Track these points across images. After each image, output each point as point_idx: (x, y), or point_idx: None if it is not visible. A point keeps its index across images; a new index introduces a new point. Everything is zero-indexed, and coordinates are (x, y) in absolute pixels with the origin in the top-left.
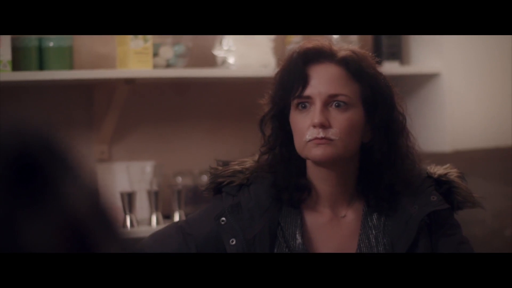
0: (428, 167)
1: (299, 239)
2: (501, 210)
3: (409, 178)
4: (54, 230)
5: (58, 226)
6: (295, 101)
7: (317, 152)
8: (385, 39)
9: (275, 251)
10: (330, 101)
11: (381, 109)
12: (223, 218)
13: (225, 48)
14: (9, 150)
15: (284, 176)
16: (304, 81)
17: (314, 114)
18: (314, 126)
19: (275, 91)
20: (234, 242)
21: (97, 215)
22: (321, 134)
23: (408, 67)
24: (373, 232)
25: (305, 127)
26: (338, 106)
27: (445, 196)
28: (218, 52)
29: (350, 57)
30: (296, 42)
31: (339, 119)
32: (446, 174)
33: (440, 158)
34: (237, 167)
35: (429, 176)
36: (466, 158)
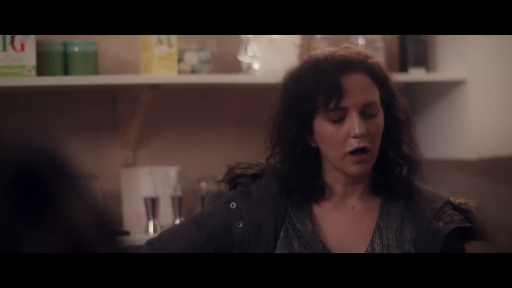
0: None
1: (308, 223)
2: None
3: (407, 182)
4: (55, 242)
5: (60, 238)
6: (331, 114)
7: (355, 168)
8: (411, 46)
9: (281, 235)
10: (363, 110)
11: (394, 111)
12: (233, 203)
13: (250, 54)
14: (10, 161)
15: (298, 178)
16: (339, 93)
17: (353, 125)
18: (355, 137)
19: (296, 98)
20: (240, 225)
21: (98, 225)
22: (362, 144)
23: (434, 74)
24: (389, 231)
25: (342, 138)
26: (369, 114)
27: None
28: (243, 58)
29: (373, 64)
30: (322, 48)
31: (372, 127)
32: (465, 203)
33: (465, 165)
34: (253, 162)
35: (450, 202)
36: (491, 166)
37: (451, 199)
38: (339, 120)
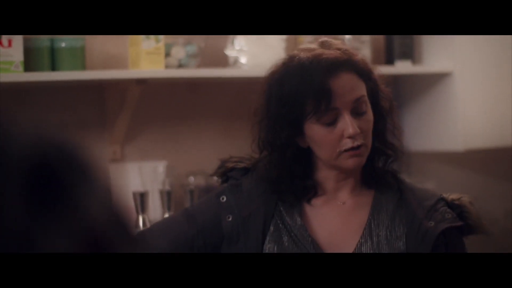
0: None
1: (297, 218)
2: None
3: (392, 169)
4: (71, 235)
5: (75, 231)
6: (322, 118)
7: (351, 162)
8: (397, 38)
9: (271, 229)
10: (354, 107)
11: (377, 99)
12: (223, 196)
13: (237, 48)
14: (24, 154)
15: (290, 181)
16: (328, 96)
17: (346, 125)
18: (349, 137)
19: (283, 103)
20: (230, 219)
21: (113, 217)
22: (357, 143)
23: (420, 66)
24: (380, 227)
25: (336, 140)
26: (360, 112)
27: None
28: (230, 52)
29: (358, 61)
30: (308, 42)
31: (363, 125)
32: (459, 198)
33: (452, 157)
34: (245, 156)
35: (443, 199)
36: (478, 157)
37: (444, 195)
38: (331, 123)
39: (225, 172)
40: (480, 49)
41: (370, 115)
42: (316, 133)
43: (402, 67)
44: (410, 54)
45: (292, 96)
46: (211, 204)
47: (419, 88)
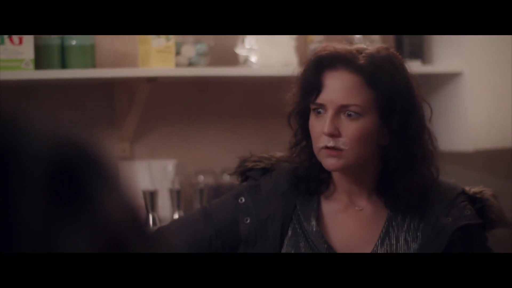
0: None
1: (313, 223)
2: None
3: (424, 183)
4: (90, 234)
5: (94, 229)
6: (312, 106)
7: (327, 162)
8: (406, 38)
9: (289, 233)
10: (342, 110)
11: (399, 114)
12: (242, 198)
13: (247, 47)
14: (42, 152)
15: (307, 168)
16: (318, 88)
17: (325, 122)
18: (325, 134)
19: (297, 91)
20: (248, 221)
21: (129, 215)
22: (331, 143)
23: (430, 66)
24: (399, 231)
25: (319, 133)
26: (349, 115)
27: (478, 214)
28: (240, 51)
29: (366, 65)
30: (318, 41)
31: (350, 129)
32: (481, 192)
33: (461, 157)
34: (265, 155)
35: (464, 192)
36: (487, 158)
37: (466, 189)
38: (319, 115)
39: (244, 172)
40: (490, 49)
41: (365, 124)
42: (310, 123)
43: (412, 66)
44: (420, 54)
45: (300, 86)
46: (229, 205)
47: (429, 88)
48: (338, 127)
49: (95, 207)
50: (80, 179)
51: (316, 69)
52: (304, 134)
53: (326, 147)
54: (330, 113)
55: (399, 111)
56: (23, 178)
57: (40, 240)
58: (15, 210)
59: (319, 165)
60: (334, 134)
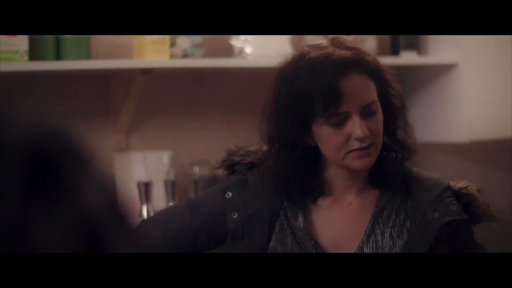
0: (450, 182)
1: (301, 219)
2: None
3: (402, 168)
4: (70, 226)
5: (74, 222)
6: (330, 118)
7: (359, 163)
8: None
9: (277, 229)
10: (363, 110)
11: (388, 98)
12: (229, 192)
13: (242, 38)
14: (23, 144)
15: (298, 180)
16: (337, 98)
17: (355, 127)
18: (358, 139)
19: (293, 102)
20: (235, 216)
21: (112, 208)
22: (364, 144)
23: (426, 57)
24: (384, 227)
25: (344, 140)
26: (369, 113)
27: (463, 209)
28: (235, 42)
29: (369, 61)
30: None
31: (373, 125)
32: (466, 187)
33: (457, 148)
34: (251, 149)
35: (449, 188)
36: (482, 149)
37: (451, 184)
38: (339, 124)
39: (231, 166)
40: (486, 40)
41: (380, 115)
42: (324, 133)
43: (407, 58)
44: (415, 45)
45: (301, 96)
46: (216, 199)
47: (425, 79)
48: (365, 127)
49: (73, 199)
50: (58, 171)
51: (330, 78)
52: (298, 145)
53: (360, 149)
54: (356, 117)
55: (388, 95)
56: (8, 169)
57: (17, 232)
58: None
59: (311, 171)
60: (367, 135)
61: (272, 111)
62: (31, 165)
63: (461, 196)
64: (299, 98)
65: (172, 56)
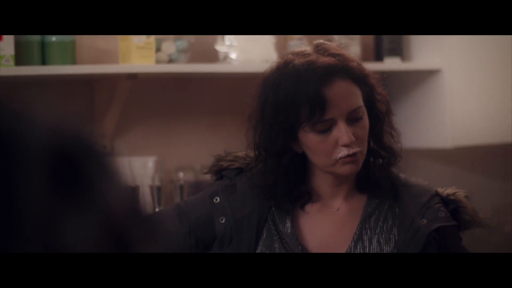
0: (438, 188)
1: (288, 225)
2: (501, 207)
3: (389, 173)
4: (95, 227)
5: (98, 222)
6: (316, 125)
7: (346, 169)
8: (386, 35)
9: (264, 234)
10: (349, 116)
11: (374, 103)
12: (217, 197)
13: (227, 43)
14: (45, 147)
15: (285, 187)
16: (322, 105)
17: (341, 134)
18: (344, 145)
19: (278, 110)
20: (223, 221)
21: (133, 207)
22: (352, 150)
23: (409, 63)
24: (372, 233)
25: (331, 147)
26: (355, 118)
27: (452, 215)
28: (220, 48)
29: (354, 67)
30: (298, 38)
31: (359, 131)
32: (454, 193)
33: (441, 154)
34: (240, 154)
35: (437, 194)
36: (466, 155)
37: (439, 190)
38: (325, 130)
39: (219, 171)
40: (469, 46)
41: (366, 121)
42: (310, 140)
43: (391, 64)
44: (399, 51)
45: (286, 104)
46: (205, 204)
47: (408, 85)
48: (351, 133)
49: (96, 196)
50: (83, 174)
51: (314, 85)
52: (277, 153)
53: (347, 156)
54: (342, 123)
55: (373, 100)
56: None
57: (42, 230)
58: (15, 203)
59: (298, 178)
60: (353, 141)
61: (258, 119)
62: (53, 167)
63: (449, 202)
64: (284, 106)
65: (158, 61)
